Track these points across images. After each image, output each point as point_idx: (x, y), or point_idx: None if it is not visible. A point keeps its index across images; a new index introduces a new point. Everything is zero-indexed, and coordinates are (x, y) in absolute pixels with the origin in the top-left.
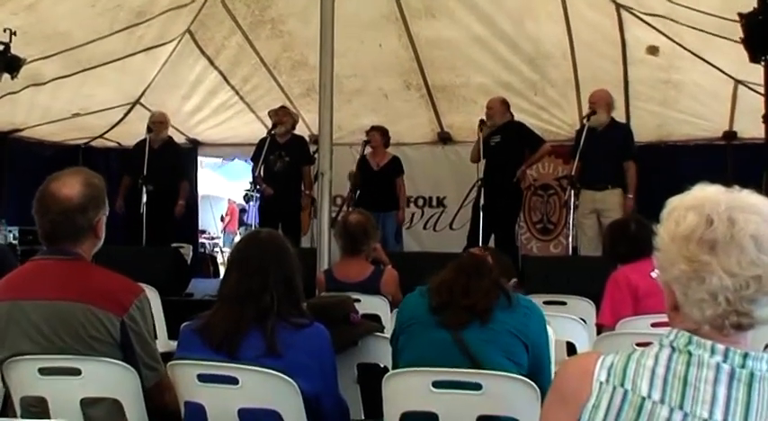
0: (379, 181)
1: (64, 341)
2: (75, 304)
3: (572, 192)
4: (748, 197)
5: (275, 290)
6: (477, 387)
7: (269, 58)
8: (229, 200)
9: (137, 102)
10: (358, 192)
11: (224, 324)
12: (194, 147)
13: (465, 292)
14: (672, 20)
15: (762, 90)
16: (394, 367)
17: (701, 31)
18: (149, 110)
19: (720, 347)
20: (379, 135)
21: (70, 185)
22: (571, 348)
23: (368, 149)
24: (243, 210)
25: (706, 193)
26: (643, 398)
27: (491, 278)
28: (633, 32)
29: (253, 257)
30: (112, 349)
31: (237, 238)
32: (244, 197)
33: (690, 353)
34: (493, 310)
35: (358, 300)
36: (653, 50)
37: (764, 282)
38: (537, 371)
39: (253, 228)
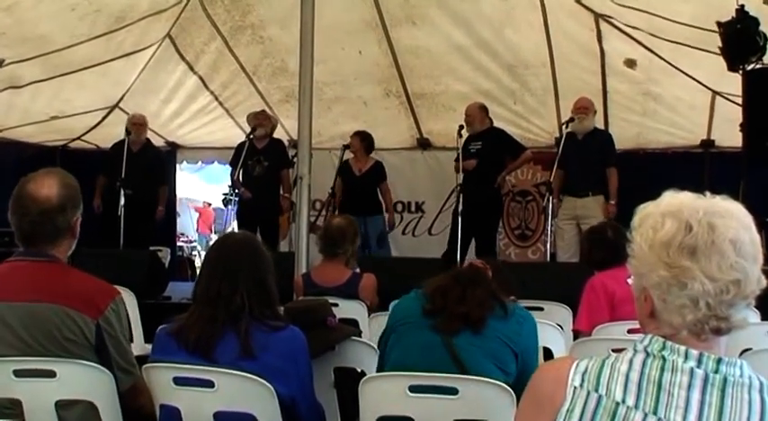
0: (361, 186)
1: (39, 343)
2: (51, 306)
3: (550, 198)
4: (723, 203)
5: (246, 291)
6: (454, 391)
7: (249, 65)
8: (204, 202)
9: (116, 105)
10: (338, 196)
11: (197, 326)
12: (173, 150)
13: (460, 300)
14: (651, 33)
15: (739, 100)
16: (380, 366)
17: (680, 43)
18: (128, 114)
19: (694, 352)
20: (358, 140)
21: (48, 186)
22: (548, 354)
23: (350, 155)
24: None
25: (681, 200)
26: (617, 403)
27: (487, 288)
28: (612, 44)
29: (223, 259)
30: (87, 352)
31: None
32: (222, 201)
33: (664, 359)
34: (486, 320)
35: (336, 305)
36: (630, 64)
37: (743, 286)
38: (524, 380)
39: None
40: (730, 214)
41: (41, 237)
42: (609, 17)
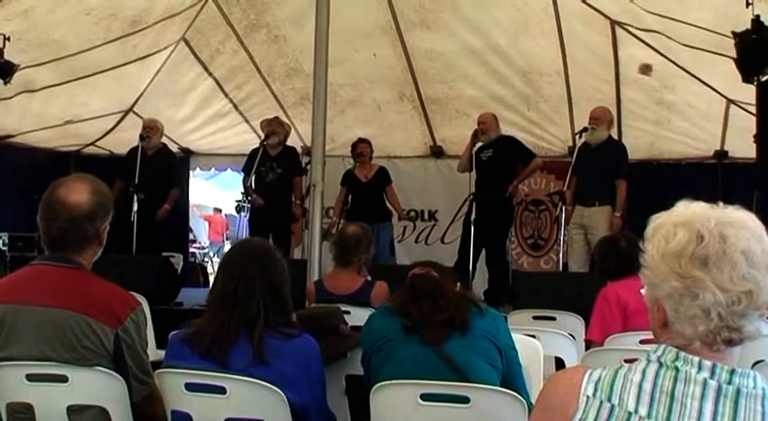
0: (368, 193)
1: (55, 349)
2: (70, 313)
3: (563, 208)
4: (736, 213)
5: (262, 298)
6: (465, 400)
7: (263, 65)
8: (214, 208)
9: (130, 110)
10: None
11: (211, 330)
12: (186, 156)
13: (435, 308)
14: (666, 36)
15: (754, 110)
16: (369, 385)
17: (695, 48)
18: (142, 118)
19: (707, 363)
20: (369, 148)
21: (79, 192)
22: (560, 363)
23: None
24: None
25: (694, 210)
26: (630, 414)
27: (454, 291)
28: (627, 51)
29: (239, 264)
30: (105, 360)
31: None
32: (235, 208)
33: (677, 369)
34: (469, 320)
35: (348, 312)
36: (645, 70)
37: (755, 297)
38: (511, 373)
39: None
40: (742, 224)
41: (69, 244)
42: (624, 24)
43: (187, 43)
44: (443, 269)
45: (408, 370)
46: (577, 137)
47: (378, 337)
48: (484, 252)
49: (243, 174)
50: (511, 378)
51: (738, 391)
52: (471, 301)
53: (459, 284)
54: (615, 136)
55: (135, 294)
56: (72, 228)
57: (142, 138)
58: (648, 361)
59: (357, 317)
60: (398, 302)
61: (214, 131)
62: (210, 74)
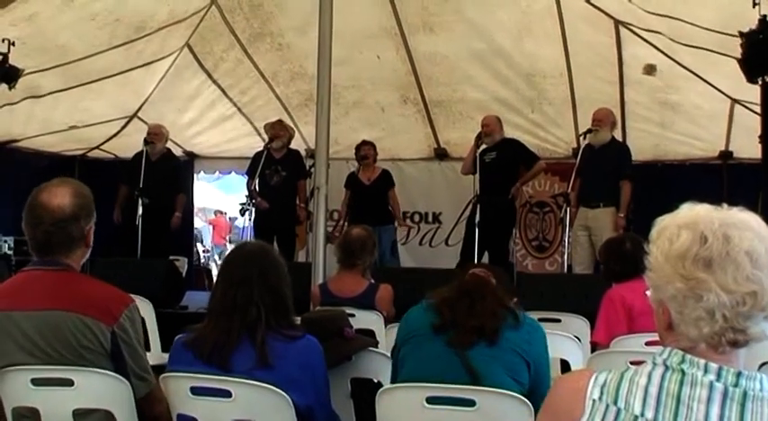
0: (371, 195)
1: (56, 350)
2: (66, 313)
3: (567, 209)
4: (739, 214)
5: (262, 301)
6: (471, 403)
7: (268, 71)
8: (217, 211)
9: (134, 115)
10: (345, 210)
11: (213, 336)
12: (191, 160)
13: (470, 312)
14: (670, 38)
15: (758, 109)
16: (394, 378)
17: (699, 48)
18: (147, 123)
19: (714, 366)
20: (373, 150)
21: (61, 195)
22: (565, 366)
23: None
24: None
25: (698, 211)
26: (636, 417)
27: (495, 297)
28: (631, 51)
29: (238, 269)
30: (103, 359)
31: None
32: (240, 211)
33: (683, 372)
34: (501, 330)
35: (352, 315)
36: (650, 70)
37: (760, 298)
38: (536, 389)
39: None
40: (746, 225)
41: (55, 247)
42: (628, 24)
43: (191, 50)
44: (504, 279)
45: (429, 369)
46: (581, 138)
47: (410, 330)
48: (486, 254)
49: (247, 177)
50: (535, 392)
51: (745, 394)
52: (509, 311)
53: (515, 300)
54: (619, 137)
55: (135, 296)
56: (57, 230)
57: (146, 143)
58: (654, 364)
59: (362, 320)
60: (439, 298)
61: (219, 134)
62: (215, 81)
